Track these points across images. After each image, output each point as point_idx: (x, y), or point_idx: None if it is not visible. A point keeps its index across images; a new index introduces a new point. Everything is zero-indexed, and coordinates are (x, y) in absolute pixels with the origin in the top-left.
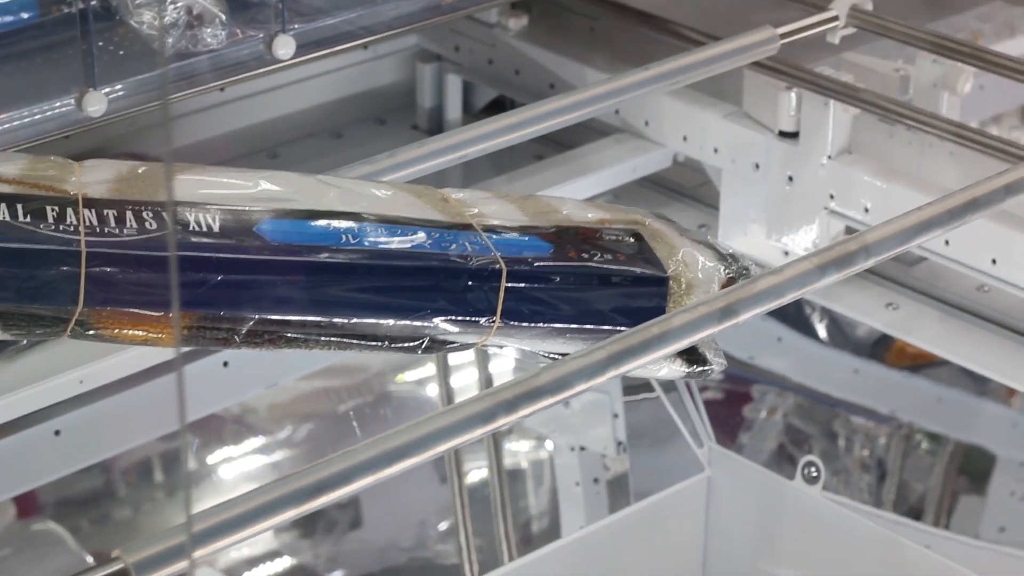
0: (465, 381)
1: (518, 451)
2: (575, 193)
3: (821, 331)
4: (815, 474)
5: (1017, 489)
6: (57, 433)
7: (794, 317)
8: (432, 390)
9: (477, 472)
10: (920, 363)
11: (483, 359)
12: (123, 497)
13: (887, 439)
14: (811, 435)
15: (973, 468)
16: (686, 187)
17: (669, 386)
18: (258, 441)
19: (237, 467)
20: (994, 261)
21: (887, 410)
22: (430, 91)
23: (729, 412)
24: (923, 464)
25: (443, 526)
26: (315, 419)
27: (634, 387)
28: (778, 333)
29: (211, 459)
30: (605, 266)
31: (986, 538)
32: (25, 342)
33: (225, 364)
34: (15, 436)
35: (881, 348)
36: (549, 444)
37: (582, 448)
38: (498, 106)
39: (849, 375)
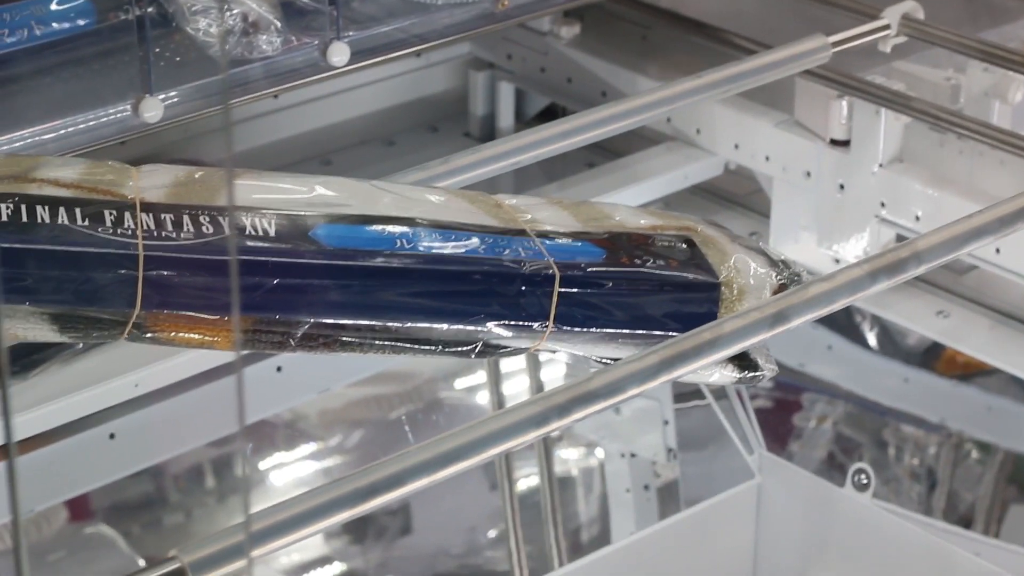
0: (516, 389)
1: (568, 458)
2: (626, 201)
3: (871, 339)
4: (865, 481)
5: None
6: (112, 436)
7: (844, 325)
8: (483, 397)
9: (527, 479)
10: (970, 372)
11: (535, 367)
12: (175, 502)
13: (937, 448)
14: (861, 443)
15: (1023, 477)
16: (737, 195)
17: (719, 393)
18: (310, 448)
19: (289, 473)
20: None
21: (937, 419)
22: (482, 99)
23: (779, 420)
24: (973, 473)
25: (493, 533)
26: (367, 426)
27: (685, 394)
28: (829, 341)
29: (263, 465)
30: (657, 272)
31: None
32: (81, 345)
33: (279, 369)
34: (71, 439)
35: (931, 357)
36: (599, 451)
37: (632, 455)
38: (550, 114)
39: (899, 383)
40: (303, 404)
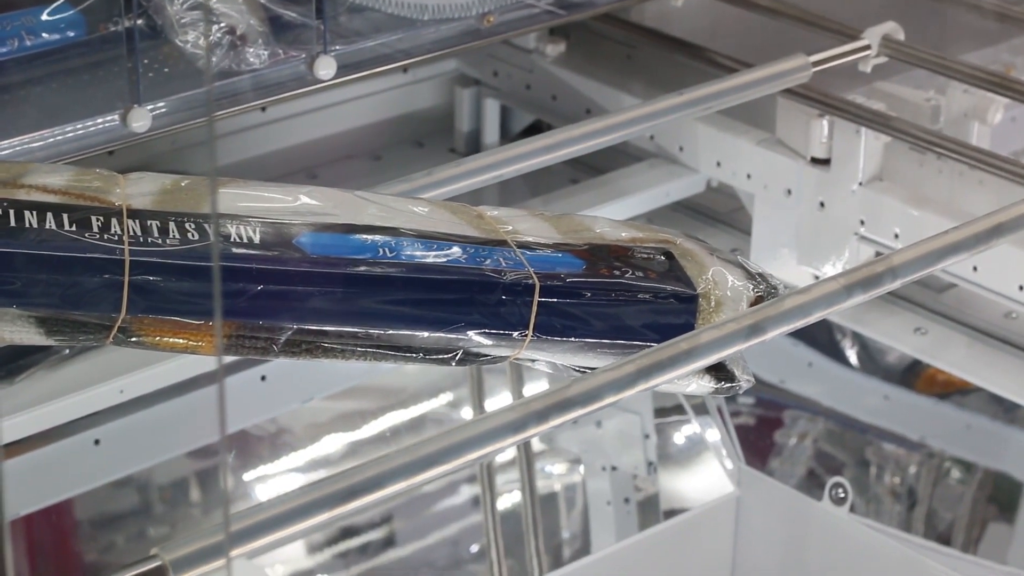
0: (501, 403)
1: (550, 472)
2: (610, 217)
3: (852, 357)
4: (842, 495)
5: None
6: (97, 442)
7: (825, 342)
8: (469, 413)
9: (509, 493)
10: (950, 390)
11: (518, 381)
12: (159, 515)
13: (918, 467)
14: (841, 461)
15: (1002, 496)
16: (719, 212)
17: (699, 407)
18: (294, 461)
19: (275, 487)
20: (1021, 287)
21: (917, 437)
22: (468, 115)
23: (760, 437)
24: (953, 492)
25: (475, 547)
26: (352, 441)
27: (665, 408)
28: (809, 358)
29: (247, 477)
30: (636, 283)
31: (1014, 564)
32: (67, 351)
33: (263, 378)
34: (56, 444)
35: (911, 375)
36: (581, 465)
37: (614, 468)
38: (535, 131)
39: (880, 401)
40: (289, 418)
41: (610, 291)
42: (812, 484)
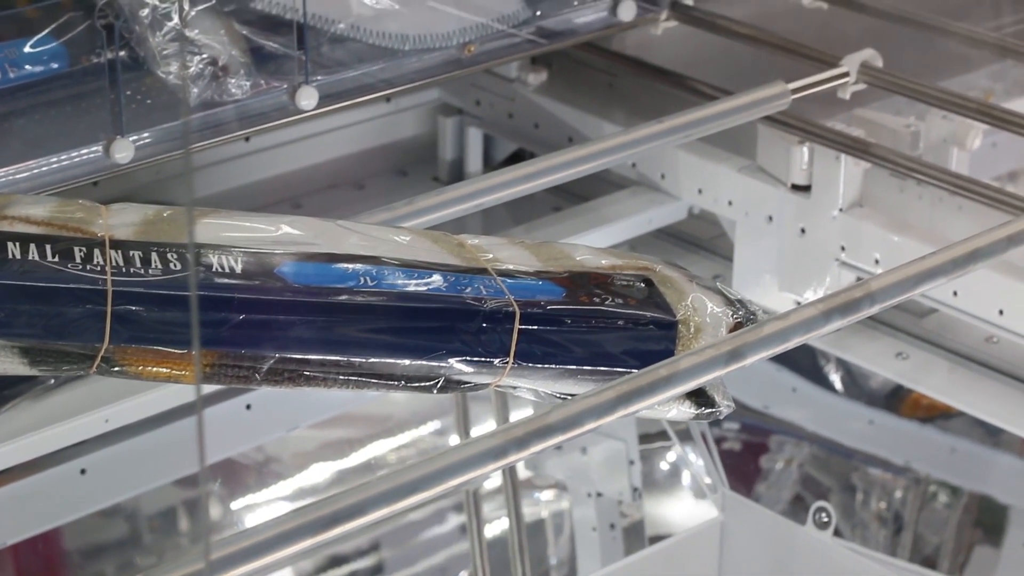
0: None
1: (537, 499)
2: (592, 244)
3: (836, 382)
4: (826, 519)
5: None
6: (83, 472)
7: (809, 368)
8: (455, 441)
9: (496, 521)
10: (934, 414)
11: (503, 408)
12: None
13: (904, 492)
14: (827, 485)
15: (988, 519)
16: (701, 239)
17: (684, 433)
18: (281, 489)
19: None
20: (1001, 312)
21: (902, 461)
22: (451, 144)
23: (746, 462)
24: (939, 516)
25: (463, 574)
26: (340, 469)
27: (650, 435)
28: (793, 383)
29: (234, 505)
30: (616, 310)
31: None
32: (52, 381)
33: (248, 407)
34: (42, 474)
35: (896, 399)
36: (567, 491)
37: (599, 494)
38: (518, 159)
39: (864, 426)
40: (276, 447)
41: (590, 318)
42: (798, 509)
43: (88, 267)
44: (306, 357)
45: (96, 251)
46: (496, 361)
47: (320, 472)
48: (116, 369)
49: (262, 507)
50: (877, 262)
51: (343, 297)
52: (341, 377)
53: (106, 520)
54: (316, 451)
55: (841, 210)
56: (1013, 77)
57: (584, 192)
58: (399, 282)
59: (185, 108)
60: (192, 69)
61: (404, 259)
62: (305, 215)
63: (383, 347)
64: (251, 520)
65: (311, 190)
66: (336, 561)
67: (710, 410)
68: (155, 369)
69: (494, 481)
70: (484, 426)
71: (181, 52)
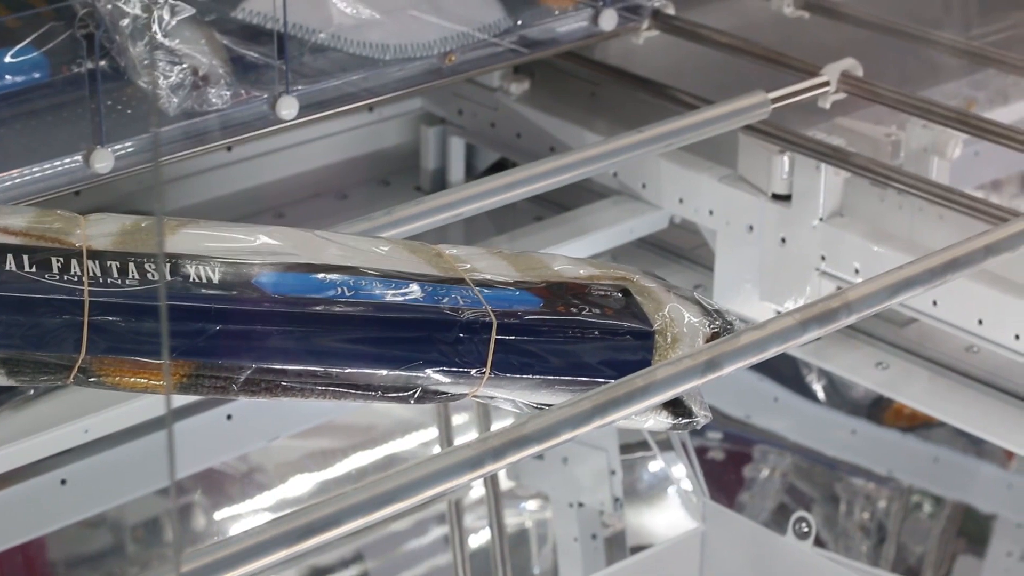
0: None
1: (520, 509)
2: (573, 253)
3: (818, 391)
4: (806, 529)
5: (1014, 549)
6: (63, 482)
7: (791, 377)
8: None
9: (478, 532)
10: (917, 423)
11: (485, 418)
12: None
13: (887, 502)
14: (810, 496)
15: (971, 529)
16: (682, 248)
17: (664, 444)
18: (262, 499)
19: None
20: (980, 321)
21: (885, 471)
22: (434, 153)
23: (728, 472)
24: (922, 526)
25: None
26: (322, 480)
27: (631, 445)
28: (775, 393)
29: (216, 515)
30: (593, 320)
31: None
32: (32, 392)
33: (229, 417)
34: (22, 484)
35: (878, 409)
36: (549, 502)
37: (580, 504)
38: (500, 168)
39: (847, 435)
40: (260, 457)
41: (567, 328)
42: (782, 518)
43: (65, 277)
44: (283, 367)
45: (73, 261)
46: (473, 371)
47: (304, 482)
48: (93, 380)
49: (246, 517)
50: (857, 272)
51: (320, 307)
52: (319, 388)
53: (89, 530)
54: (300, 461)
55: (821, 219)
56: (995, 86)
57: (565, 201)
58: (377, 292)
59: (155, 118)
60: (173, 79)
61: (382, 269)
62: (287, 225)
63: (360, 357)
64: (234, 531)
65: (294, 200)
66: (319, 572)
67: (687, 420)
68: (132, 379)
69: (477, 492)
70: (467, 437)
71: (151, 60)
